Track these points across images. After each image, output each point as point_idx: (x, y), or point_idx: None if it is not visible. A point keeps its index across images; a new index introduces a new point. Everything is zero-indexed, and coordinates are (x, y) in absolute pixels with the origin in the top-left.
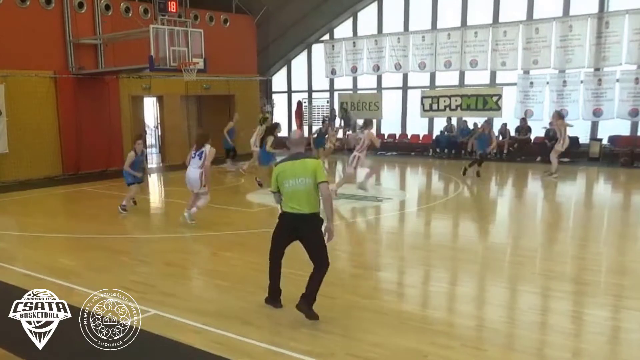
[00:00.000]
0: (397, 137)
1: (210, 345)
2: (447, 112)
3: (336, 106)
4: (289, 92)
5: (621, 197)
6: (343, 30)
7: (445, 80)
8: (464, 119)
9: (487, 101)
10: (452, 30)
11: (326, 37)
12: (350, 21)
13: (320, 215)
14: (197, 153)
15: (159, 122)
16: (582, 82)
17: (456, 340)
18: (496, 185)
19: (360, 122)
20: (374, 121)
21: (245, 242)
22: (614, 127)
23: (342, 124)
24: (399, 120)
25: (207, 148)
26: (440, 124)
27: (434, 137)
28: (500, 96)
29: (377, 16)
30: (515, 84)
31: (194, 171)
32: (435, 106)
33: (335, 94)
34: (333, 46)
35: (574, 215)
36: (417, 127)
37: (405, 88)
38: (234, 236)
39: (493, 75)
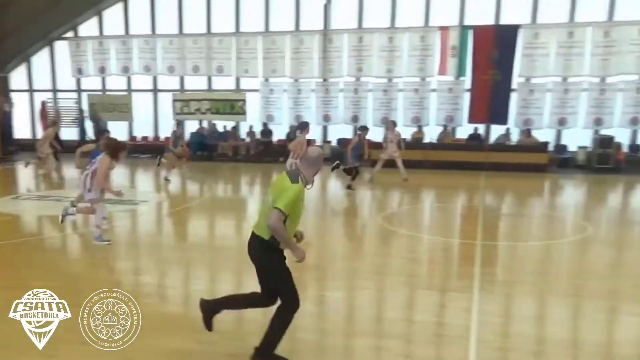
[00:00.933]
0: (150, 139)
1: None
2: (198, 115)
3: (85, 107)
4: (31, 90)
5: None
6: (88, 28)
7: (195, 85)
8: (213, 122)
9: (234, 106)
10: (197, 37)
11: (70, 34)
12: (95, 20)
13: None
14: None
15: None
16: (313, 90)
17: (216, 335)
18: (247, 184)
19: None
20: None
21: None
22: (342, 130)
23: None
24: (151, 123)
25: (100, 156)
26: (192, 126)
27: (186, 139)
28: (244, 101)
29: (124, 17)
30: (258, 90)
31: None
32: (186, 109)
33: (84, 94)
34: (78, 44)
35: (310, 209)
36: (170, 129)
37: (155, 90)
38: None
39: (238, 81)
